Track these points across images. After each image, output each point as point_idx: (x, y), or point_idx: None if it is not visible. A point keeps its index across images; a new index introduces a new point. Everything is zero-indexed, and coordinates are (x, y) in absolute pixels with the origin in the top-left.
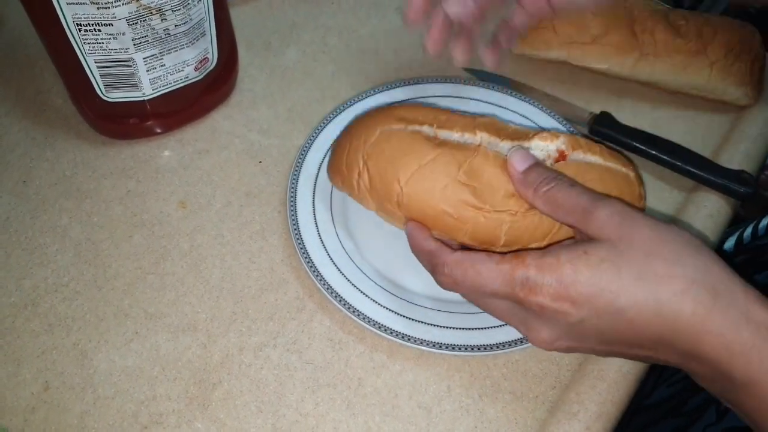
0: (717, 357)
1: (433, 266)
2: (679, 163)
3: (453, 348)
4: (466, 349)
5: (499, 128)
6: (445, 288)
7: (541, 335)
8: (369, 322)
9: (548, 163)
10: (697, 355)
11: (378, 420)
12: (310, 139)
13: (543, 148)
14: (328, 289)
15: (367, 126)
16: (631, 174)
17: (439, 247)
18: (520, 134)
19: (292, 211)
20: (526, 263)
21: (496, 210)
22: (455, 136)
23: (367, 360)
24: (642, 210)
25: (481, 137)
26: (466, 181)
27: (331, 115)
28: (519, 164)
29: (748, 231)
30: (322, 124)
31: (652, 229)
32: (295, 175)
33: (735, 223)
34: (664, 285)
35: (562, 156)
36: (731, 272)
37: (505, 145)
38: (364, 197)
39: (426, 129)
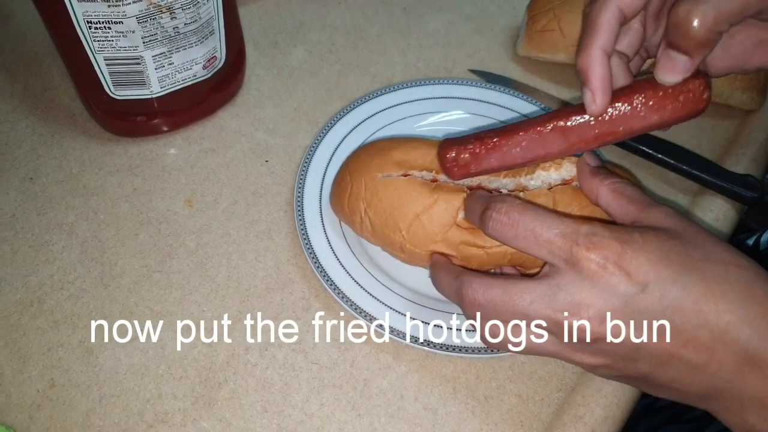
0: None
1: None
2: (684, 167)
3: (458, 350)
4: (471, 351)
5: None
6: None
7: (589, 310)
8: (374, 322)
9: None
10: (760, 358)
11: (383, 421)
12: (318, 139)
13: (545, 178)
14: (334, 289)
15: (368, 169)
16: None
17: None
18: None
19: (299, 210)
20: (592, 222)
21: (498, 245)
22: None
23: (373, 361)
24: None
25: (479, 180)
26: (464, 223)
27: (339, 115)
28: (591, 161)
29: (765, 237)
30: (330, 124)
31: (709, 233)
32: (302, 174)
33: (741, 231)
34: (737, 269)
35: (565, 183)
36: None
37: (505, 181)
38: (367, 238)
39: (425, 174)
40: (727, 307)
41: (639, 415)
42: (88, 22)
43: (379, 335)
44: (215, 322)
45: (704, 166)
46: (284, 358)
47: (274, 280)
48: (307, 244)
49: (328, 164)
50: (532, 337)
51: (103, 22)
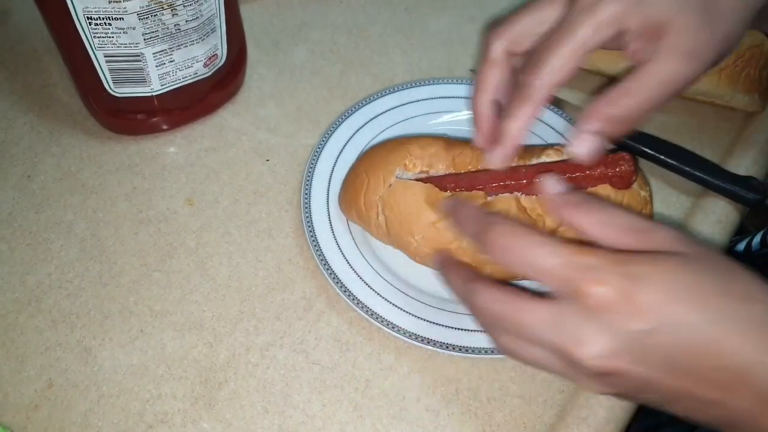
0: None
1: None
2: (687, 168)
3: (461, 349)
4: (474, 351)
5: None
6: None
7: (593, 347)
8: (378, 319)
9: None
10: None
11: (385, 422)
12: (325, 138)
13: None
14: (339, 285)
15: (386, 164)
16: (643, 194)
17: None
18: (528, 153)
19: (306, 208)
20: (593, 251)
21: None
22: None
23: (375, 361)
24: None
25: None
26: None
27: (344, 116)
28: (551, 188)
29: (757, 239)
30: (335, 124)
31: (721, 256)
32: (309, 172)
33: (739, 233)
34: (756, 304)
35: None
36: None
37: None
38: (380, 236)
39: (441, 171)
40: (745, 347)
41: (638, 416)
42: (88, 18)
43: (381, 335)
44: (216, 322)
45: (707, 168)
46: (285, 358)
47: (275, 279)
48: (313, 239)
49: (335, 164)
50: (545, 359)
51: (103, 19)
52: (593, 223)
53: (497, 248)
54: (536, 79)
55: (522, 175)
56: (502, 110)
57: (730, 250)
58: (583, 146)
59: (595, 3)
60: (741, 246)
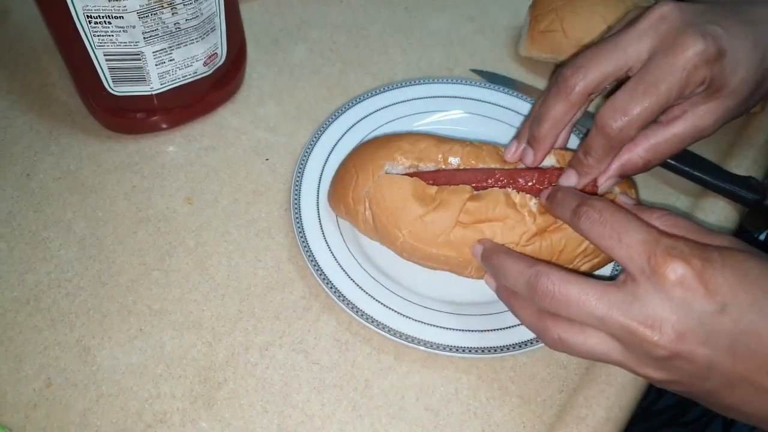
0: None
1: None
2: (686, 169)
3: (460, 350)
4: (473, 351)
5: (501, 155)
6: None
7: (666, 327)
8: (374, 323)
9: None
10: None
11: (384, 422)
12: (314, 138)
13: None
14: (333, 290)
15: (375, 159)
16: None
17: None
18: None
19: (296, 211)
20: (675, 236)
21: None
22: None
23: (374, 361)
24: None
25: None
26: (467, 222)
27: (336, 114)
28: (627, 200)
29: (762, 237)
30: (326, 123)
31: None
32: (299, 174)
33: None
34: None
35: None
36: None
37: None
38: (367, 232)
39: (431, 168)
40: None
41: (636, 419)
42: (88, 16)
43: (380, 336)
44: (215, 321)
45: (706, 168)
46: (284, 357)
47: (275, 279)
48: (304, 244)
49: (325, 164)
50: (600, 343)
51: (103, 17)
52: (661, 226)
53: (589, 219)
54: (621, 128)
55: (514, 175)
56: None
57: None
58: (609, 185)
59: (690, 62)
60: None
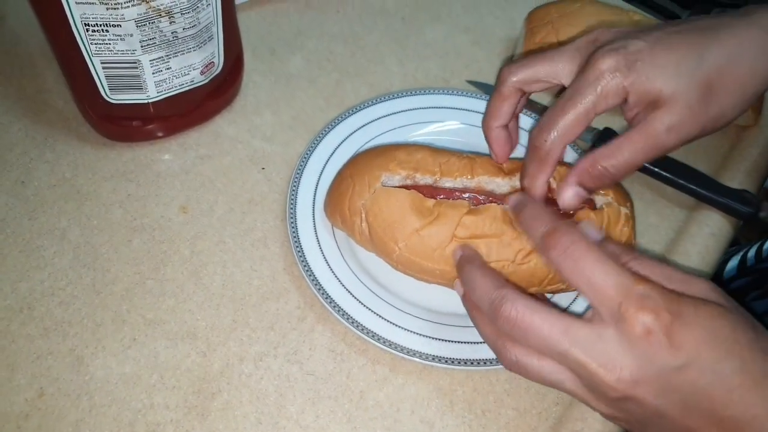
0: None
1: (494, 301)
2: (681, 181)
3: (455, 362)
4: (468, 363)
5: (497, 167)
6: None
7: (624, 373)
8: (370, 334)
9: None
10: None
11: None
12: (311, 148)
13: None
14: (329, 301)
15: (371, 168)
16: (624, 210)
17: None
18: (517, 168)
19: (292, 221)
20: (650, 282)
21: (493, 261)
22: (454, 182)
23: (369, 372)
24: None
25: (479, 180)
26: (463, 236)
27: (333, 124)
28: (593, 233)
29: (752, 252)
30: (323, 133)
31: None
32: (295, 184)
33: (730, 246)
34: None
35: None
36: None
37: (504, 183)
38: (363, 243)
39: (427, 179)
40: (757, 402)
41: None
42: (85, 24)
43: (375, 347)
44: (209, 332)
45: (700, 181)
46: (279, 368)
47: (270, 289)
48: (300, 254)
49: (321, 174)
50: (555, 372)
51: (101, 25)
52: (639, 268)
53: (560, 252)
54: (548, 142)
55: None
56: (509, 131)
57: (723, 264)
58: (569, 197)
59: (602, 75)
60: (735, 260)
